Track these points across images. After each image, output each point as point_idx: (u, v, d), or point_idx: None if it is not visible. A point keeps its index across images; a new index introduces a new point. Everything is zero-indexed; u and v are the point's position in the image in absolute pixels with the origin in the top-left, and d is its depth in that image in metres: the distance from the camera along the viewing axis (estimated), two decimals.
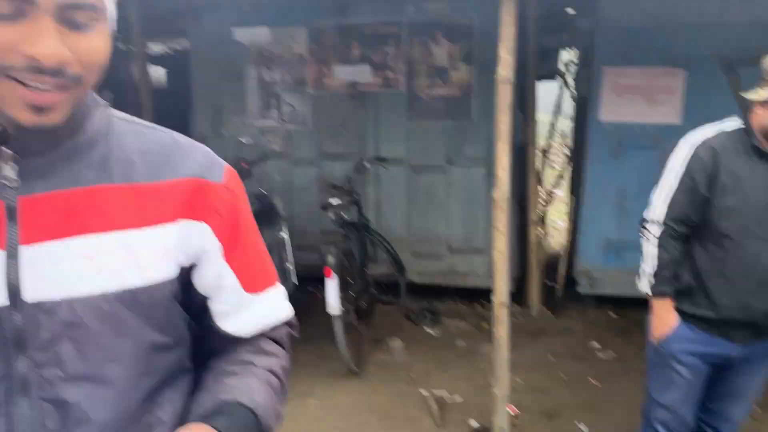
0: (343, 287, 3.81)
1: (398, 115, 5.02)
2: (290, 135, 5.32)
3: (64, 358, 0.79)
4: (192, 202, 0.86)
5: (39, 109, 0.73)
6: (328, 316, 3.70)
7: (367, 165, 4.60)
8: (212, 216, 0.88)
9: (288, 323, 1.02)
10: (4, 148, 0.77)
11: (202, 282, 0.90)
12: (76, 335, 0.79)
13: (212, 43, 5.28)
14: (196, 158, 0.89)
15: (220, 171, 0.90)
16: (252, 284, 0.94)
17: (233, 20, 5.17)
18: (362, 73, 5.02)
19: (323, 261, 3.74)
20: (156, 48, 9.03)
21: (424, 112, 4.99)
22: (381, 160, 4.72)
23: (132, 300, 0.82)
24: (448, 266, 5.15)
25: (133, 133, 0.88)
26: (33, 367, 0.78)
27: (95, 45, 0.75)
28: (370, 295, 4.52)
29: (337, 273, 3.70)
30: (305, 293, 4.89)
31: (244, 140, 4.71)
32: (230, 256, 0.90)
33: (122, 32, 6.78)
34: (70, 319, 0.79)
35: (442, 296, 5.12)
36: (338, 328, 3.70)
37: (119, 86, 5.31)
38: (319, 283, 4.03)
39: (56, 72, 0.71)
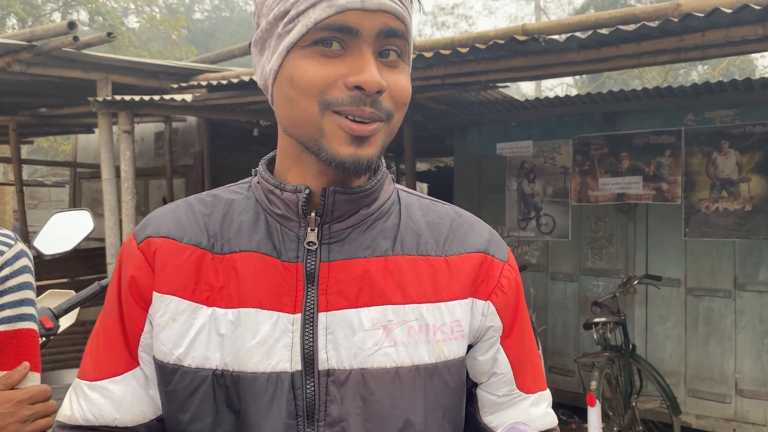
0: (605, 419, 3.36)
1: (673, 230, 4.53)
2: (549, 247, 5.13)
3: None
4: (479, 279, 0.82)
5: (359, 142, 0.72)
6: None
7: (636, 283, 4.16)
8: (498, 294, 0.83)
9: None
10: (312, 214, 0.77)
11: (475, 364, 0.84)
12: (364, 412, 0.74)
13: (475, 158, 5.48)
14: (482, 234, 0.85)
15: (504, 249, 0.86)
16: (524, 379, 0.86)
17: (498, 136, 5.32)
18: (632, 185, 4.70)
19: (580, 386, 3.36)
20: (421, 166, 9.82)
21: (705, 227, 4.43)
22: (652, 278, 4.24)
23: (426, 378, 0.77)
24: (736, 412, 4.28)
25: (419, 206, 0.86)
26: None
27: (403, 81, 0.75)
28: None
29: (600, 402, 3.28)
30: (558, 422, 4.45)
31: None
32: (507, 340, 0.84)
33: (396, 153, 7.54)
34: (361, 392, 0.74)
35: None
36: None
37: None
38: (574, 411, 3.62)
39: (375, 101, 0.71)
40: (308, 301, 0.75)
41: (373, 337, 0.75)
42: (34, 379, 1.06)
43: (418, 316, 0.77)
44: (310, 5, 0.70)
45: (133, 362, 0.81)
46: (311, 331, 0.75)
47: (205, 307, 0.77)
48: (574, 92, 19.66)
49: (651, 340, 4.59)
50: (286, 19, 0.72)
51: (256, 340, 0.75)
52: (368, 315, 0.76)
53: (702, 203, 4.44)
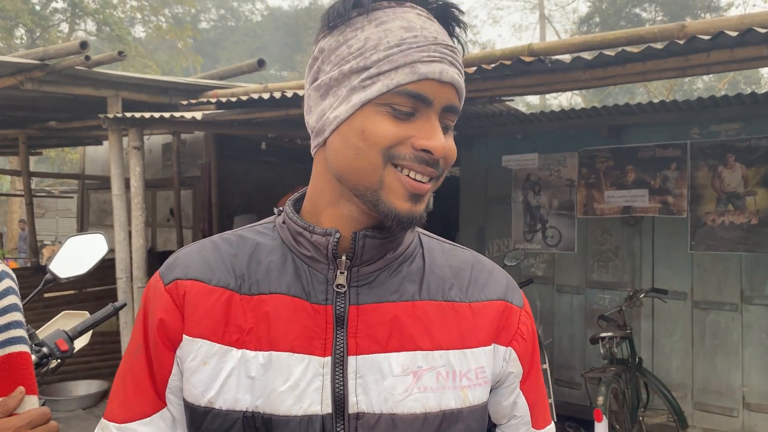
0: None
1: (679, 243, 4.54)
2: (555, 260, 5.14)
3: None
4: (501, 326, 0.85)
5: (416, 199, 0.76)
6: None
7: (642, 297, 4.16)
8: (518, 341, 0.86)
9: None
10: (342, 257, 0.79)
11: (495, 408, 0.87)
12: None
13: (481, 170, 5.50)
14: (501, 281, 0.88)
15: (519, 295, 0.90)
16: (538, 418, 0.90)
17: (503, 148, 5.35)
18: (638, 198, 4.71)
19: (586, 398, 3.37)
20: None
21: (711, 241, 4.43)
22: (659, 292, 4.24)
23: (451, 423, 0.79)
24: (744, 426, 4.28)
25: (441, 251, 0.88)
26: None
27: (454, 146, 0.80)
28: None
29: (606, 416, 3.29)
30: None
31: (508, 262, 4.67)
32: (525, 384, 0.88)
33: None
34: None
35: None
36: None
37: None
38: (581, 424, 3.63)
39: (436, 163, 0.76)
40: (338, 343, 0.77)
41: (403, 383, 0.77)
42: (32, 403, 1.03)
43: (446, 363, 0.79)
44: (392, 68, 0.74)
45: (160, 403, 0.82)
46: (341, 374, 0.76)
47: (235, 349, 0.78)
48: (580, 102, 19.66)
49: (658, 354, 4.59)
50: (365, 75, 0.75)
51: (289, 384, 0.76)
52: (398, 360, 0.78)
53: (708, 216, 4.45)
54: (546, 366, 4.41)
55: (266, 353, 0.77)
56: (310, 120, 0.82)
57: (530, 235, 5.26)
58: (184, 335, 0.80)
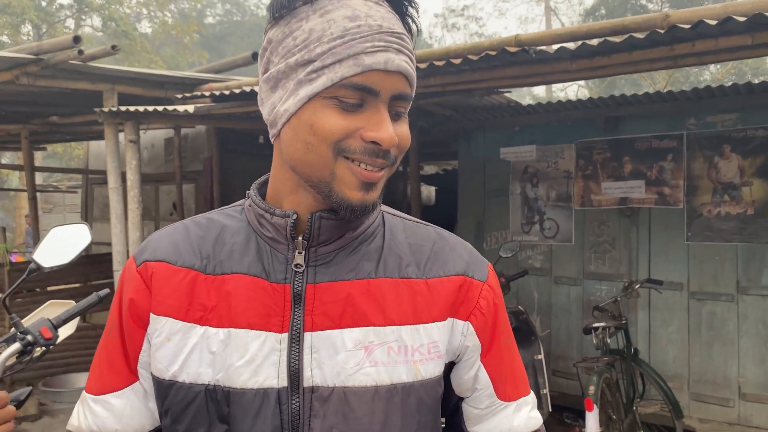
0: (605, 423, 3.38)
1: (675, 234, 4.54)
2: (552, 251, 5.14)
3: None
4: (458, 301, 0.86)
5: (367, 187, 0.78)
6: None
7: (638, 288, 4.17)
8: (476, 315, 0.87)
9: None
10: (299, 238, 0.82)
11: (458, 382, 0.89)
12: (345, 427, 0.79)
13: (479, 162, 5.50)
14: (462, 256, 0.89)
15: (483, 269, 0.90)
16: (504, 390, 0.90)
17: (501, 141, 5.35)
18: (634, 189, 4.71)
19: (583, 390, 3.38)
20: (429, 169, 9.84)
21: (707, 231, 4.43)
22: (654, 282, 4.24)
23: (403, 396, 0.81)
24: (739, 416, 4.28)
25: (403, 228, 0.90)
26: None
27: (406, 132, 0.82)
28: None
29: (599, 406, 3.30)
30: (561, 424, 4.46)
31: (503, 254, 4.68)
32: (486, 357, 0.88)
33: (402, 159, 7.60)
34: (342, 409, 0.79)
35: None
36: None
37: (394, 202, 5.80)
38: (579, 415, 3.64)
39: (386, 153, 0.78)
40: (295, 321, 0.80)
41: (355, 358, 0.80)
42: None
43: (398, 338, 0.81)
44: (336, 61, 0.75)
45: (132, 378, 0.87)
46: (297, 350, 0.80)
47: (198, 326, 0.82)
48: (585, 92, 19.56)
49: (654, 344, 4.59)
50: (310, 69, 0.76)
51: (245, 359, 0.80)
52: (350, 336, 0.80)
53: (704, 207, 4.44)
54: (541, 356, 4.42)
55: (226, 330, 0.81)
56: (263, 112, 0.84)
57: (528, 227, 5.27)
58: (150, 313, 0.84)
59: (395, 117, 0.79)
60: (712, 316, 4.40)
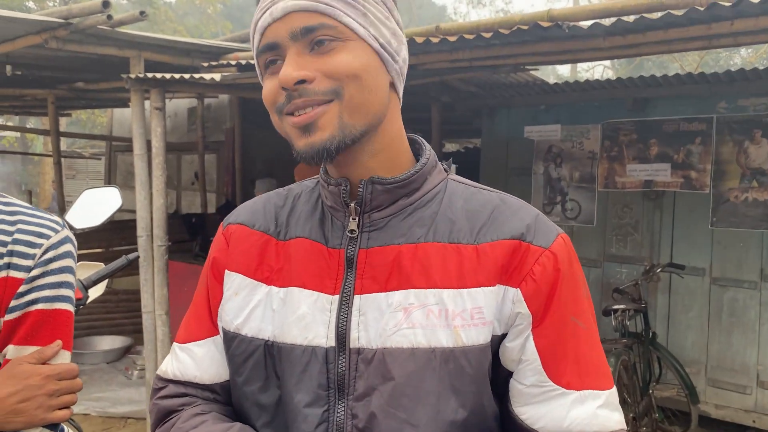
0: (621, 405, 3.38)
1: (700, 219, 4.48)
2: (573, 232, 5.11)
3: (374, 414, 0.79)
4: (511, 266, 0.81)
5: (306, 130, 0.79)
6: None
7: (659, 271, 4.14)
8: (527, 282, 0.81)
9: None
10: (351, 204, 0.85)
11: (505, 351, 0.82)
12: (385, 388, 0.79)
13: (502, 140, 5.46)
14: (522, 219, 0.84)
15: (548, 236, 0.83)
16: (562, 372, 0.80)
17: (526, 119, 5.29)
18: (660, 172, 4.64)
19: None
20: (450, 147, 9.77)
21: (733, 217, 4.36)
22: (676, 267, 4.20)
23: (441, 361, 0.79)
24: (757, 404, 4.26)
25: (463, 195, 0.88)
26: (349, 418, 0.80)
27: (341, 60, 0.78)
28: (653, 421, 3.93)
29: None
30: None
31: None
32: (539, 329, 0.80)
33: (424, 134, 7.57)
34: (381, 370, 0.80)
35: None
36: None
37: None
38: None
39: (304, 91, 0.78)
40: (346, 284, 0.83)
41: (394, 319, 0.80)
42: (65, 357, 1.12)
43: (439, 301, 0.80)
44: (253, 36, 0.83)
45: (214, 330, 0.93)
46: (346, 312, 0.82)
47: (263, 285, 0.88)
48: (610, 74, 19.22)
49: (673, 329, 4.57)
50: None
51: (296, 315, 0.84)
52: (394, 298, 0.81)
53: (731, 192, 4.37)
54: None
55: (286, 289, 0.86)
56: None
57: (550, 207, 5.23)
58: (225, 269, 0.92)
59: (323, 49, 0.78)
60: (734, 303, 4.36)
